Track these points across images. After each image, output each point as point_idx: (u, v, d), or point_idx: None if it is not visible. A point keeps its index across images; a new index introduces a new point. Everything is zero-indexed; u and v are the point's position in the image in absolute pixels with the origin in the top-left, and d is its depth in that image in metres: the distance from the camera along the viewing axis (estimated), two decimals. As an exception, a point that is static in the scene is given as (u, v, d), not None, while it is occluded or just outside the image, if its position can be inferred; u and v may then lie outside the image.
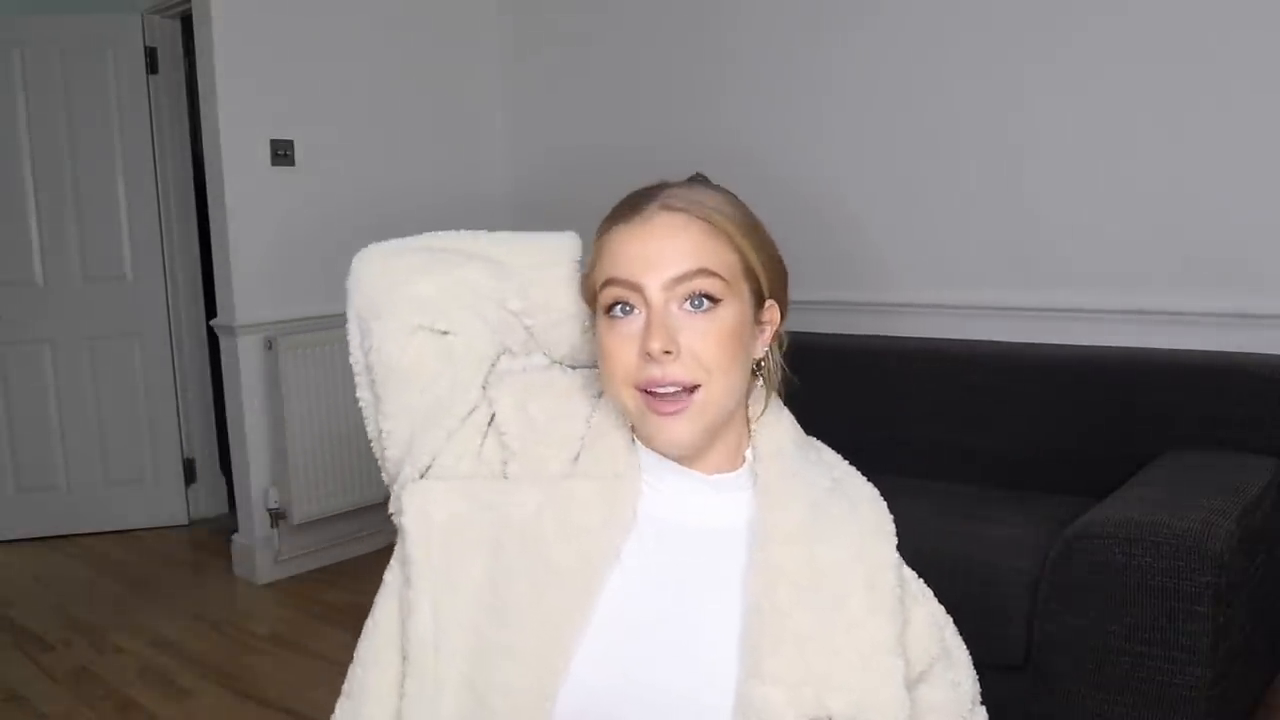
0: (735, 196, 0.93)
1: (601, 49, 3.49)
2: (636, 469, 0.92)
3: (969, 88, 2.65)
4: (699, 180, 0.94)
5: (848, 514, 0.92)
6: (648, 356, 0.85)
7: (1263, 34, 2.20)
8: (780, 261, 0.94)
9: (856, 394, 2.63)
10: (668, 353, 0.84)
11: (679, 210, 0.88)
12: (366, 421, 0.99)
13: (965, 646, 0.99)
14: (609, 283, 0.87)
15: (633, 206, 0.90)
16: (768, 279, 0.92)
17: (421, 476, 0.92)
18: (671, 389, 0.85)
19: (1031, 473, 2.36)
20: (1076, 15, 2.45)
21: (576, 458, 0.92)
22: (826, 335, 2.75)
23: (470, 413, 0.94)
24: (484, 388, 0.95)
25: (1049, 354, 2.43)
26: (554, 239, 1.01)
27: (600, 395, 0.95)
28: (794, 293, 0.96)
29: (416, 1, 3.57)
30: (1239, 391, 2.15)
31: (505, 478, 0.91)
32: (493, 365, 0.97)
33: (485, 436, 0.93)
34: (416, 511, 0.89)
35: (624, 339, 0.87)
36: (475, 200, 3.73)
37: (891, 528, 0.94)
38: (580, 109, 3.59)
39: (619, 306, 0.87)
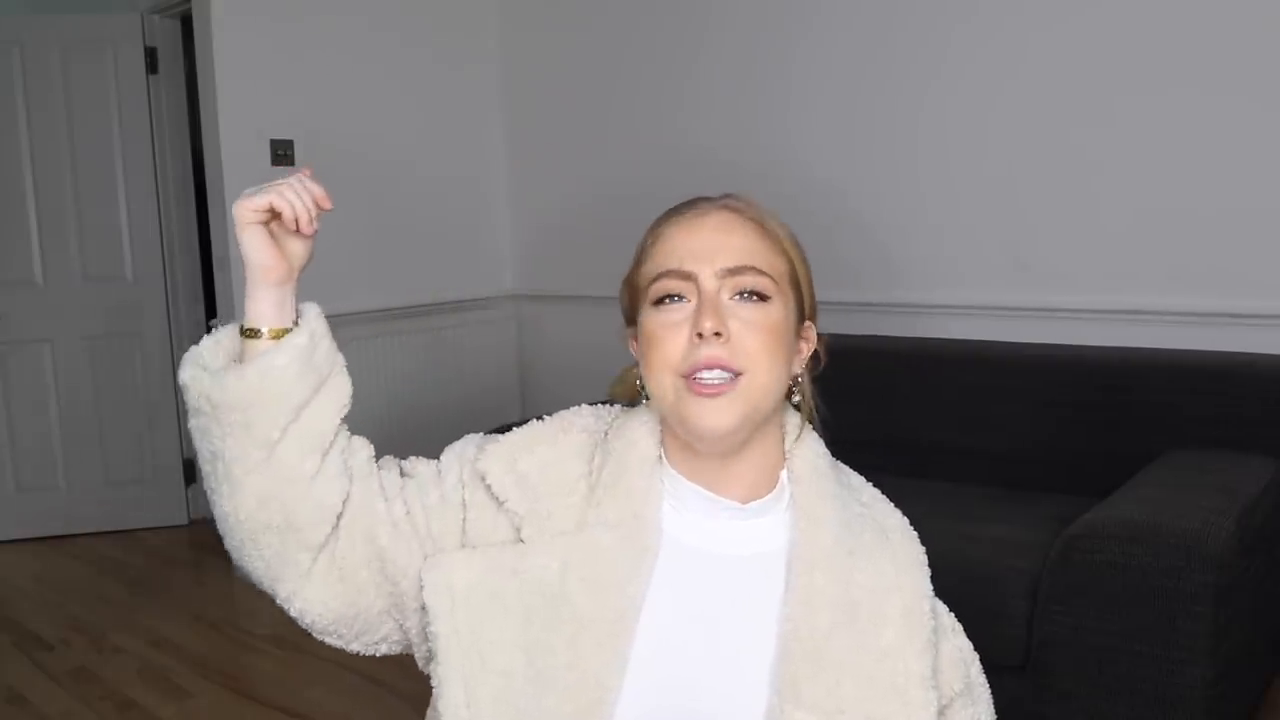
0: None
1: (600, 54, 3.49)
2: (658, 501, 0.90)
3: (966, 88, 2.64)
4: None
5: (881, 542, 0.92)
6: (698, 338, 0.84)
7: (1260, 29, 2.20)
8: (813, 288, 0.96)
9: (855, 394, 2.60)
10: (718, 334, 0.84)
11: (736, 210, 0.90)
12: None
13: (988, 685, 0.98)
14: (662, 276, 0.88)
15: (690, 204, 0.92)
16: (809, 300, 0.94)
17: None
18: (718, 373, 0.84)
19: (1031, 473, 2.36)
20: (1071, 15, 2.45)
21: (589, 499, 0.89)
22: (824, 336, 2.73)
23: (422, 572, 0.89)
24: (414, 528, 0.90)
25: (1049, 354, 2.43)
26: (290, 362, 0.86)
27: (607, 434, 0.93)
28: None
29: (415, 2, 3.57)
30: (1239, 391, 2.15)
31: (522, 541, 0.89)
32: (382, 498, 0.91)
33: (465, 525, 0.90)
34: (439, 584, 0.86)
35: (672, 326, 0.86)
36: (474, 200, 3.73)
37: (924, 558, 0.94)
38: (580, 114, 3.58)
39: (669, 297, 0.87)
